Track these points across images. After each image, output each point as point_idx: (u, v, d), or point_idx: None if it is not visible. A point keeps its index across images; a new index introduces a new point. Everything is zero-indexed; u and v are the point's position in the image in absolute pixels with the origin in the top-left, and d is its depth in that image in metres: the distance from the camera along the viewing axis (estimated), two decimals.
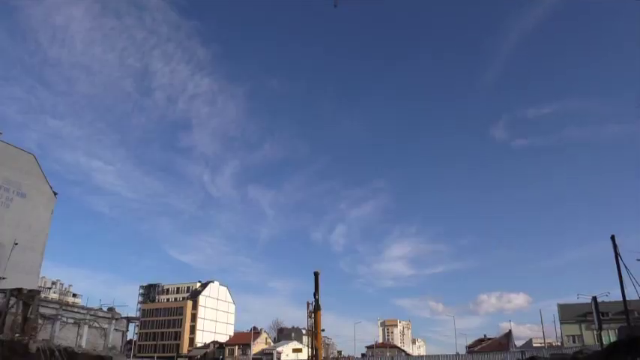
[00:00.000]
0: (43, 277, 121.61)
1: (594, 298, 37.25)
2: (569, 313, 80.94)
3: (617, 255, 31.89)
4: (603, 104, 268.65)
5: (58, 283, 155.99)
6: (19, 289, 36.77)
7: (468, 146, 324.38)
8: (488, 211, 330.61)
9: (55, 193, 50.09)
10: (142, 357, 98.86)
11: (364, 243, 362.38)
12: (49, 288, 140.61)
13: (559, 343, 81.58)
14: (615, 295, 47.90)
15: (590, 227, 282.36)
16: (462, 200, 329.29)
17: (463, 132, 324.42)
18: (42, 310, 39.05)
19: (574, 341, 76.73)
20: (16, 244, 43.32)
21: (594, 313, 37.91)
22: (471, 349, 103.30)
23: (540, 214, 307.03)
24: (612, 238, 32.60)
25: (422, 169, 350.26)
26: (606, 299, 48.74)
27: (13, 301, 35.48)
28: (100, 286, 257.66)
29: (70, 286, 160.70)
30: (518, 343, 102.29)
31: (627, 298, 30.67)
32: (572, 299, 65.05)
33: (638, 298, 28.10)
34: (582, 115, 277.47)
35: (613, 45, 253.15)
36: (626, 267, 30.35)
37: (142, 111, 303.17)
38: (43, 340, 36.83)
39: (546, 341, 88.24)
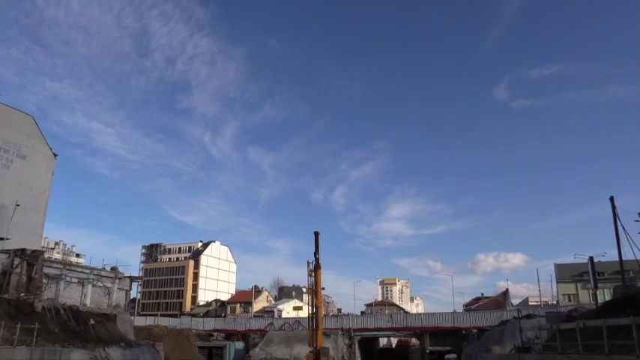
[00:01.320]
0: (46, 238, 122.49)
1: (591, 258, 37.66)
2: (566, 273, 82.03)
3: (615, 215, 32.06)
4: (607, 65, 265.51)
5: (61, 243, 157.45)
6: (23, 250, 37.23)
7: (469, 107, 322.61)
8: (488, 172, 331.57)
9: (55, 155, 50.07)
10: (146, 315, 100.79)
11: (364, 203, 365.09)
12: (52, 248, 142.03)
13: (555, 302, 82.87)
14: (611, 256, 48.47)
15: (589, 189, 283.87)
16: (462, 161, 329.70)
17: (465, 92, 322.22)
18: (46, 269, 39.63)
19: (570, 300, 78.00)
20: (18, 205, 43.58)
21: (590, 273, 38.42)
22: (468, 307, 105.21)
23: (540, 175, 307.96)
24: (611, 199, 32.72)
25: (423, 129, 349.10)
26: (603, 259, 49.26)
27: (17, 261, 35.96)
28: (103, 246, 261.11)
29: (72, 246, 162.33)
30: (515, 301, 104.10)
31: (624, 258, 31.00)
32: (569, 259, 65.77)
33: (634, 258, 28.41)
34: (585, 76, 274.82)
35: (617, 6, 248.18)
36: (623, 227, 30.59)
37: (141, 72, 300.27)
38: (48, 299, 37.55)
39: (542, 300, 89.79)
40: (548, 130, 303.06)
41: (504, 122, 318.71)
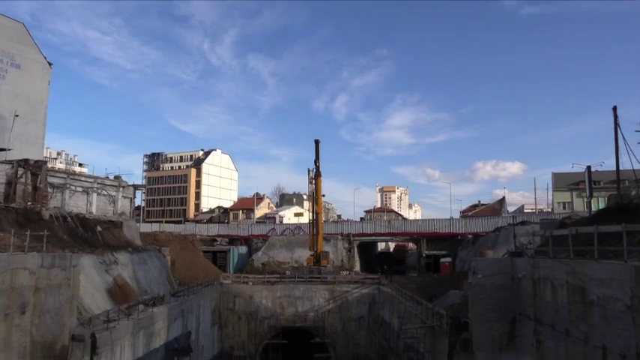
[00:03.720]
0: (48, 148, 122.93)
1: (588, 167, 37.87)
2: (563, 182, 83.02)
3: (616, 125, 31.87)
4: None
5: (63, 153, 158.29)
6: (26, 160, 37.54)
7: (475, 13, 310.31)
8: (491, 80, 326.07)
9: (50, 64, 48.98)
10: (151, 222, 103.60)
11: (366, 112, 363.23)
12: (55, 158, 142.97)
13: (550, 210, 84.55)
14: (609, 165, 48.87)
15: (592, 100, 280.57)
16: (466, 69, 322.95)
17: None
18: (50, 179, 40.20)
19: (564, 208, 79.51)
20: (17, 115, 43.33)
21: (587, 182, 38.77)
22: (464, 213, 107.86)
23: (543, 84, 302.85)
24: (614, 108, 32.34)
25: (427, 36, 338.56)
26: (600, 169, 49.70)
27: (21, 171, 36.37)
28: (105, 155, 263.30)
29: (75, 156, 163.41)
30: (511, 209, 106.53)
31: (621, 168, 31.24)
32: (567, 169, 66.24)
33: (631, 168, 28.65)
34: None
35: None
36: (623, 137, 30.50)
37: None
38: (54, 207, 38.44)
39: (538, 207, 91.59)
40: (554, 38, 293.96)
41: (510, 29, 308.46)
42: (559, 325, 18.47)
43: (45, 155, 66.87)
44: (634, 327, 13.67)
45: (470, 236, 65.76)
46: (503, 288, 23.27)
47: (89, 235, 38.35)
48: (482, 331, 23.07)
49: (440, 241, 69.33)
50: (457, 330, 24.26)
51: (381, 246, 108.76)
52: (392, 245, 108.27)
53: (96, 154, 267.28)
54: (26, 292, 22.07)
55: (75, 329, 23.56)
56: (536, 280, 20.88)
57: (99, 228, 40.77)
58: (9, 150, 39.98)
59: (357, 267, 71.67)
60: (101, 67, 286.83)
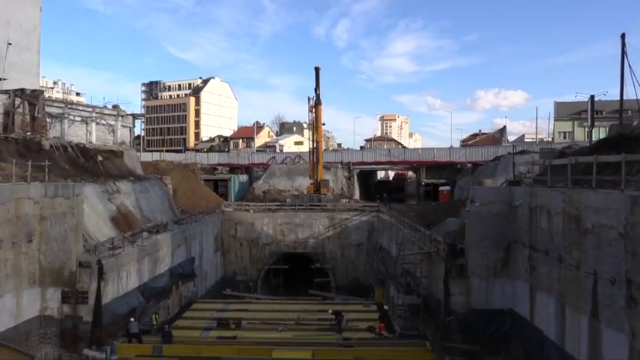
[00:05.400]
0: (44, 77, 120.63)
1: (591, 97, 37.40)
2: (565, 111, 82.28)
3: (623, 53, 31.13)
4: None
5: (60, 82, 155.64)
6: (22, 90, 37.03)
7: None
8: (496, 6, 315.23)
9: None
10: (151, 151, 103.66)
11: (368, 38, 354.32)
12: (52, 88, 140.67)
13: (550, 139, 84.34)
14: (612, 95, 48.29)
15: (598, 26, 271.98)
16: None
17: None
18: (48, 109, 39.86)
19: (565, 137, 79.21)
20: (10, 44, 42.22)
21: (589, 111, 38.38)
22: (465, 142, 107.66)
23: (549, 9, 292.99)
24: (622, 35, 31.47)
25: None
26: (603, 98, 49.18)
27: (18, 101, 35.97)
28: (102, 85, 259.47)
29: (72, 85, 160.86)
30: (511, 138, 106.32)
31: (625, 98, 30.83)
32: (571, 98, 65.51)
33: (635, 98, 28.25)
34: None
35: None
36: (630, 66, 29.86)
37: None
38: (54, 137, 38.37)
39: (538, 137, 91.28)
40: None
41: None
42: (553, 251, 18.96)
43: (41, 85, 65.85)
44: (625, 254, 14.04)
45: (469, 165, 66.03)
46: (500, 216, 23.70)
47: (90, 165, 38.54)
48: (477, 257, 23.75)
49: (439, 170, 69.69)
50: (453, 256, 24.95)
51: (380, 174, 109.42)
52: (391, 174, 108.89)
53: (93, 84, 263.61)
54: (31, 221, 22.55)
55: (81, 256, 24.25)
56: (532, 209, 21.22)
57: (100, 157, 40.90)
58: (4, 80, 39.31)
59: (357, 195, 72.53)
60: None
